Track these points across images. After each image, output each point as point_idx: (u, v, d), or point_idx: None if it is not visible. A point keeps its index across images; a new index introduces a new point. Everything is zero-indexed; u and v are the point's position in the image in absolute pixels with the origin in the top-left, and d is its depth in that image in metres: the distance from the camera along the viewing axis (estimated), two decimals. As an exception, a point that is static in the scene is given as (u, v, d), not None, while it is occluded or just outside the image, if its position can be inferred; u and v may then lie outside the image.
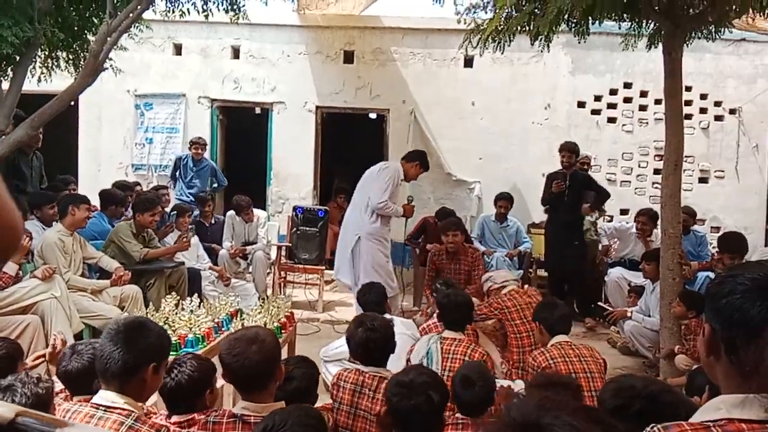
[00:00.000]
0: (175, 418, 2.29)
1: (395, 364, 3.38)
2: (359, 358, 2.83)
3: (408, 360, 3.52)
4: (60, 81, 5.97)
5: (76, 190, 6.40)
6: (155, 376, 2.05)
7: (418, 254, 6.83)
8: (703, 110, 7.73)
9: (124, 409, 1.93)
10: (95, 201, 6.52)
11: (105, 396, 1.97)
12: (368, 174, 5.78)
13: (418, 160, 5.80)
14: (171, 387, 2.37)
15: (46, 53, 5.96)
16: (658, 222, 5.14)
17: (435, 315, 4.10)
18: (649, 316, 5.22)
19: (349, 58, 7.98)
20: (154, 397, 3.25)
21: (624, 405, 1.78)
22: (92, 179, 7.88)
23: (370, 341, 2.78)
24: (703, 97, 7.71)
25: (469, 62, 7.80)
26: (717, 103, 7.72)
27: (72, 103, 5.68)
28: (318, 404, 2.67)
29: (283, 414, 1.89)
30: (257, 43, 7.99)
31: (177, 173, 7.50)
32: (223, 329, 3.90)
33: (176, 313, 3.88)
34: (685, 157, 5.18)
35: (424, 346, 3.45)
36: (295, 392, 2.46)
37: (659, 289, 4.84)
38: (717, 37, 5.28)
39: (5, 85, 4.67)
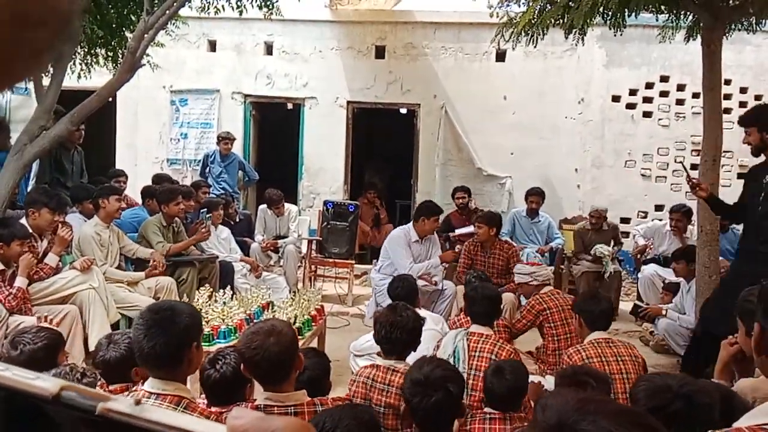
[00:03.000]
0: (214, 409, 2.34)
1: (423, 359, 3.39)
2: (382, 346, 2.86)
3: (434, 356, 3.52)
4: (99, 77, 6.12)
5: (125, 183, 6.55)
6: (198, 351, 2.11)
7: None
8: (742, 104, 7.51)
9: (174, 396, 1.97)
10: (134, 195, 6.70)
11: (153, 384, 2.01)
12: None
13: (422, 215, 5.68)
14: (215, 379, 2.41)
15: (86, 50, 6.11)
16: (693, 218, 5.03)
17: (462, 311, 4.08)
18: (684, 314, 5.13)
19: (380, 53, 7.98)
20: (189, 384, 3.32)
21: (660, 406, 1.75)
22: (130, 174, 8.04)
23: (393, 326, 2.79)
24: (743, 90, 7.50)
25: (501, 56, 7.74)
26: (757, 97, 7.48)
27: (110, 99, 5.82)
28: (333, 395, 2.71)
29: (334, 415, 1.88)
30: (290, 39, 8.06)
31: (206, 171, 7.61)
32: (254, 321, 3.96)
33: (209, 305, 3.96)
34: (724, 152, 5.06)
35: (450, 343, 3.44)
36: (309, 381, 2.49)
37: (695, 288, 4.75)
38: (758, 28, 5.14)
39: (46, 82, 4.79)
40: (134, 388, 2.37)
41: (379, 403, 2.65)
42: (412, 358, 2.89)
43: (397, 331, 2.78)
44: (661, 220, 7.00)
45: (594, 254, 6.52)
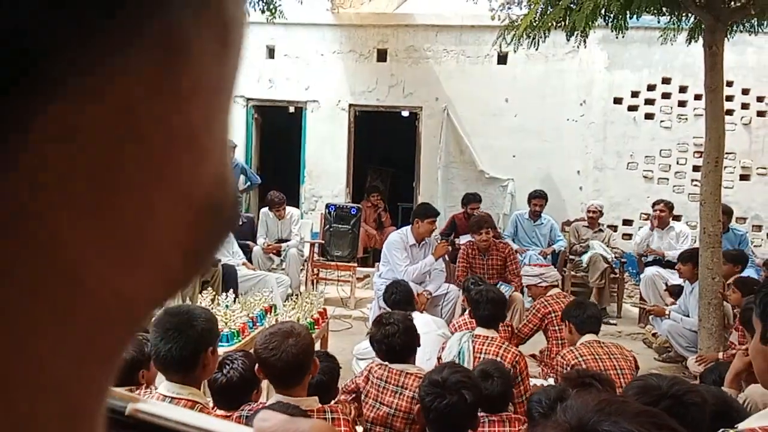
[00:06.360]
0: (220, 412, 2.34)
1: (427, 363, 3.39)
2: (383, 357, 2.86)
3: (439, 358, 3.52)
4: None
5: None
6: (213, 356, 2.13)
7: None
8: (744, 106, 7.52)
9: (189, 401, 1.98)
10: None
11: (169, 387, 2.03)
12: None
13: (416, 217, 5.63)
14: (222, 384, 2.41)
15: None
16: (689, 216, 5.04)
17: (467, 312, 4.08)
18: (688, 316, 5.12)
19: (382, 56, 7.99)
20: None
21: (647, 404, 1.76)
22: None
23: (389, 337, 2.80)
24: (745, 92, 7.49)
25: (502, 59, 7.74)
26: (759, 99, 7.49)
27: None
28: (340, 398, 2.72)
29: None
30: (292, 42, 8.07)
31: None
32: (257, 324, 3.97)
33: (212, 308, 3.96)
34: (726, 153, 5.06)
35: (456, 345, 3.45)
36: (317, 385, 2.50)
37: (698, 289, 4.74)
38: (760, 30, 5.14)
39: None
40: (137, 391, 2.37)
41: (389, 404, 2.65)
42: (418, 361, 2.90)
43: (396, 339, 2.78)
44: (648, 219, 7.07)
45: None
